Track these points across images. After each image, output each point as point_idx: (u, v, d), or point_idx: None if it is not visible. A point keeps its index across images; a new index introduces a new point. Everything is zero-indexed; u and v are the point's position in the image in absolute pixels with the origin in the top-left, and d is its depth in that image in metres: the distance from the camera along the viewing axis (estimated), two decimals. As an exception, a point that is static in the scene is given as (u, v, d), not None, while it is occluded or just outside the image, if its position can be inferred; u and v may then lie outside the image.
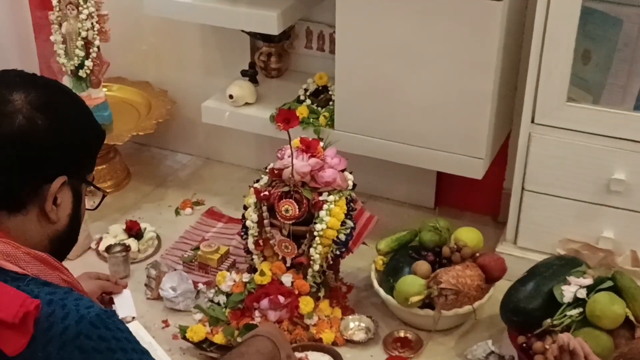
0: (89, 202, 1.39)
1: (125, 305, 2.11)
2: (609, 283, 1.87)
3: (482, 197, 2.57)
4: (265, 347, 1.59)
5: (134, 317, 1.85)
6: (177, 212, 2.62)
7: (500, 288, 2.08)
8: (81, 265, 2.36)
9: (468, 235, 2.15)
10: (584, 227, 2.15)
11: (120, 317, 2.01)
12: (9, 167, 1.20)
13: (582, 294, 1.86)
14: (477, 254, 2.14)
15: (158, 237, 2.47)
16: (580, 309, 1.85)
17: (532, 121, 2.09)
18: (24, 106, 1.20)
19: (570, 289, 1.88)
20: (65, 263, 2.27)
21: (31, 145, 1.20)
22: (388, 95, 2.23)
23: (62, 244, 1.32)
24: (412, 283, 2.04)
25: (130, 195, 2.72)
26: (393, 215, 2.59)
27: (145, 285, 2.25)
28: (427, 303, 2.06)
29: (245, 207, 2.14)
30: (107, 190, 2.67)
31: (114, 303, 1.83)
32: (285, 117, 1.90)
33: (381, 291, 2.12)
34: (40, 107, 1.21)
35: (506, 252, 2.25)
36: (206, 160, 2.93)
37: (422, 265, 2.09)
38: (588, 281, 1.89)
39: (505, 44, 2.11)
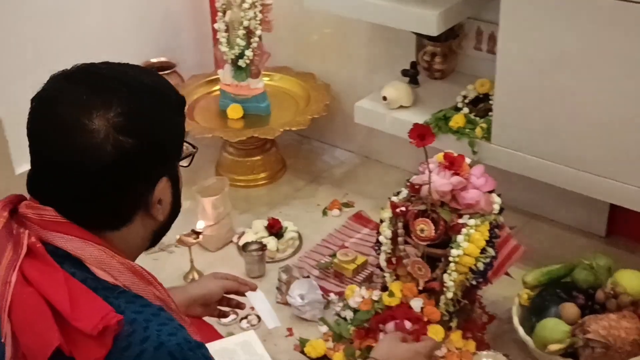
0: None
1: (264, 309, 2.04)
2: None
3: (663, 231, 2.25)
4: None
5: None
6: (324, 213, 2.53)
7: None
8: (220, 258, 2.36)
9: (630, 280, 1.86)
10: None
11: (268, 325, 1.93)
12: (107, 195, 1.15)
13: None
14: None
15: (300, 237, 2.39)
16: None
17: None
18: (109, 133, 1.11)
19: None
20: (205, 254, 2.33)
21: (125, 170, 1.14)
22: (556, 110, 1.97)
23: (163, 231, 1.28)
24: (554, 328, 1.81)
25: (282, 188, 2.67)
26: (555, 240, 2.33)
27: (277, 288, 2.19)
28: (571, 352, 1.81)
29: (381, 221, 2.00)
30: (261, 182, 2.67)
31: (240, 308, 1.77)
32: (419, 133, 1.73)
33: (520, 330, 1.90)
34: (124, 130, 1.12)
35: (679, 303, 1.93)
36: (364, 158, 2.81)
37: (570, 309, 1.84)
38: None
39: (700, 60, 1.78)
